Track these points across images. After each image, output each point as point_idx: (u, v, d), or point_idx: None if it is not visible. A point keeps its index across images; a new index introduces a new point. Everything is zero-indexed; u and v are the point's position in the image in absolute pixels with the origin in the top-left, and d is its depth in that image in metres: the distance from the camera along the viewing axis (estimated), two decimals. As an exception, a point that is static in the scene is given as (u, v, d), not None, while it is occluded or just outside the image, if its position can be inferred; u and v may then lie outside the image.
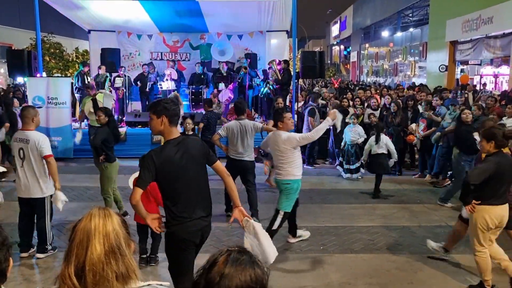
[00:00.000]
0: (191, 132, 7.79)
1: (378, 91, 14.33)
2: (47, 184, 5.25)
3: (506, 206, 4.31)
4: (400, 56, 29.94)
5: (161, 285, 1.81)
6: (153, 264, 5.15)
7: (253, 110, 12.26)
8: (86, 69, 13.13)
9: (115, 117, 12.55)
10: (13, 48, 20.17)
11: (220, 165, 3.60)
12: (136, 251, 1.77)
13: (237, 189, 3.72)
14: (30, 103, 10.76)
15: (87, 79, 12.71)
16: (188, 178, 3.35)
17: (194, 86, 12.86)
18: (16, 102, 10.54)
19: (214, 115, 9.10)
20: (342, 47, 52.91)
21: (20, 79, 13.97)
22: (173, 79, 12.80)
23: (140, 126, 11.56)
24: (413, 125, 9.31)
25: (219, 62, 13.54)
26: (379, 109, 10.49)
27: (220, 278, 1.33)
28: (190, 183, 3.36)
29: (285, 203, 5.38)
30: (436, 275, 4.86)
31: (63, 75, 19.37)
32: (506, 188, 4.30)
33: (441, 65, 20.48)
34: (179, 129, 4.46)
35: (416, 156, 10.02)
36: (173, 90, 12.55)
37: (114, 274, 1.59)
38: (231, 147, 6.63)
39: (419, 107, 10.07)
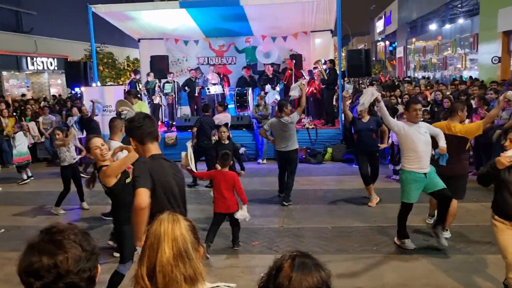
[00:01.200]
0: (227, 141, 7.69)
1: (428, 87, 13.97)
2: None
3: None
4: (449, 49, 28.93)
5: (228, 286, 1.89)
6: (236, 248, 5.73)
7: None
8: (137, 76, 13.62)
9: (166, 122, 13.00)
10: (68, 59, 21.22)
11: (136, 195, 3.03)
12: (204, 255, 1.88)
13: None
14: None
15: (139, 86, 13.20)
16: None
17: (239, 88, 13.05)
18: (75, 111, 11.12)
19: (209, 120, 9.17)
20: (387, 42, 51.72)
21: (77, 89, 14.68)
22: (214, 83, 13.01)
23: (189, 130, 11.83)
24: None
25: (264, 64, 13.67)
26: (430, 105, 10.26)
27: (289, 282, 1.40)
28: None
29: (402, 193, 5.56)
30: (494, 277, 4.72)
31: (115, 83, 20.17)
32: None
33: (493, 57, 19.63)
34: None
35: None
36: (221, 94, 12.79)
37: (182, 276, 1.68)
38: (276, 141, 7.77)
39: (472, 102, 9.76)
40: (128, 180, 4.38)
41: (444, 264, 5.11)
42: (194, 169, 5.52)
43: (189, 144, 5.79)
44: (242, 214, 5.60)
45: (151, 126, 3.15)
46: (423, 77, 27.03)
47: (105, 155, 4.47)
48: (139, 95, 12.19)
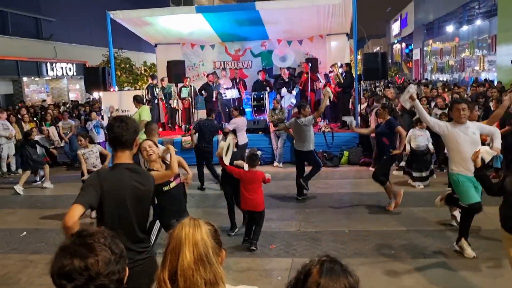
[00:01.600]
0: (234, 149, 6.92)
1: (446, 89, 13.83)
2: None
3: None
4: (466, 50, 28.59)
5: None
6: (253, 248, 5.81)
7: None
8: (154, 81, 13.77)
9: (183, 126, 13.11)
10: (87, 65, 21.55)
11: None
12: (224, 259, 1.90)
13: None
14: (105, 116, 11.56)
15: (156, 91, 13.35)
16: None
17: (256, 92, 13.09)
18: (94, 115, 11.30)
19: (210, 124, 9.15)
20: (403, 45, 51.39)
21: (95, 94, 14.92)
22: (227, 88, 13.05)
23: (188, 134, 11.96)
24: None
25: (280, 68, 13.70)
26: (447, 108, 10.15)
27: (317, 287, 1.40)
28: None
29: (461, 197, 5.35)
30: (516, 281, 4.66)
31: (133, 88, 20.42)
32: None
33: (512, 58, 19.35)
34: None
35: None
36: (237, 98, 12.85)
37: (202, 280, 1.70)
38: (294, 139, 8.35)
39: (490, 104, 9.65)
40: (165, 188, 4.84)
41: (463, 268, 5.05)
42: (226, 162, 6.00)
43: (231, 137, 6.33)
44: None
45: (117, 131, 2.90)
46: (440, 80, 26.70)
47: (151, 155, 4.74)
48: (146, 100, 12.38)
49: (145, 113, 9.54)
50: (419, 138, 8.70)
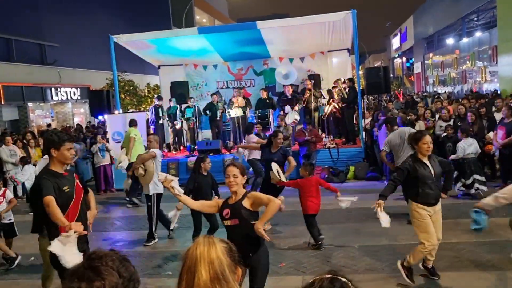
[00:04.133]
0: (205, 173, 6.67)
1: (449, 101, 13.83)
2: None
3: None
4: (468, 62, 28.70)
5: None
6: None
7: (320, 130, 12.28)
8: (160, 102, 13.86)
9: (187, 146, 13.12)
10: (91, 88, 21.74)
11: None
12: (243, 275, 1.86)
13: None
14: (110, 139, 11.60)
15: (162, 112, 13.41)
16: None
17: (260, 111, 13.12)
18: (99, 138, 11.35)
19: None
20: (404, 59, 51.66)
21: (100, 117, 14.99)
22: (240, 106, 13.11)
23: (211, 154, 11.97)
24: (491, 134, 8.89)
25: (283, 85, 13.78)
26: (452, 120, 10.14)
27: None
28: None
29: None
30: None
31: (137, 110, 20.54)
32: None
33: (514, 68, 19.40)
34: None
35: (497, 166, 9.53)
36: (241, 117, 12.89)
37: None
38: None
39: (495, 114, 9.63)
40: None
41: (477, 281, 4.98)
42: (285, 180, 6.72)
43: (274, 166, 6.70)
44: (345, 202, 6.46)
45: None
46: (445, 92, 26.71)
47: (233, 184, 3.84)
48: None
49: (133, 132, 10.17)
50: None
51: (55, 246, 3.27)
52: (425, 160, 4.88)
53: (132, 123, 10.46)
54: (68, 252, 3.21)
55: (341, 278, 1.47)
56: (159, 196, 7.18)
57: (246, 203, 3.69)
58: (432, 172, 4.85)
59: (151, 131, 13.22)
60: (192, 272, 1.72)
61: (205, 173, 6.65)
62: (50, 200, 3.54)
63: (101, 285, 1.38)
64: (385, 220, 4.72)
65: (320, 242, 6.41)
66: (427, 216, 4.85)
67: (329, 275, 1.48)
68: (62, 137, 3.77)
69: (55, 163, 3.79)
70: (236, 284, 1.76)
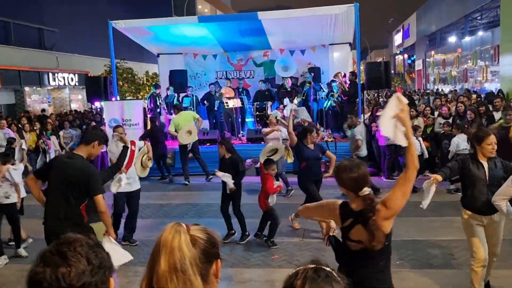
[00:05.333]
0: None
1: (449, 99, 13.73)
2: None
3: None
4: (469, 61, 28.59)
5: None
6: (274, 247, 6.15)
7: (318, 124, 12.19)
8: (158, 91, 13.74)
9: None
10: (89, 75, 21.60)
11: None
12: (218, 272, 1.71)
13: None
14: (107, 125, 11.50)
15: (159, 100, 13.29)
16: None
17: (258, 103, 13.03)
18: (93, 124, 11.25)
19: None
20: (406, 55, 51.54)
21: (97, 104, 14.88)
22: (229, 98, 12.94)
23: (208, 144, 11.89)
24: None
25: (283, 77, 13.66)
26: (451, 117, 10.06)
27: None
28: None
29: None
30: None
31: (135, 98, 20.42)
32: None
33: (516, 68, 19.29)
34: None
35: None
36: (239, 108, 12.77)
37: None
38: None
39: (494, 113, 9.54)
40: None
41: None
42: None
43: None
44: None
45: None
46: (450, 91, 26.58)
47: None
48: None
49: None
50: None
51: (105, 245, 3.39)
52: (483, 161, 4.27)
53: (177, 107, 11.18)
54: (115, 252, 3.28)
55: (325, 268, 1.44)
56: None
57: None
58: (487, 174, 4.24)
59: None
60: (155, 260, 1.60)
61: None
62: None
63: (67, 271, 1.28)
64: (428, 200, 4.23)
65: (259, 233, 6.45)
66: (475, 226, 4.27)
67: (313, 265, 1.44)
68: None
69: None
70: (197, 279, 1.60)
